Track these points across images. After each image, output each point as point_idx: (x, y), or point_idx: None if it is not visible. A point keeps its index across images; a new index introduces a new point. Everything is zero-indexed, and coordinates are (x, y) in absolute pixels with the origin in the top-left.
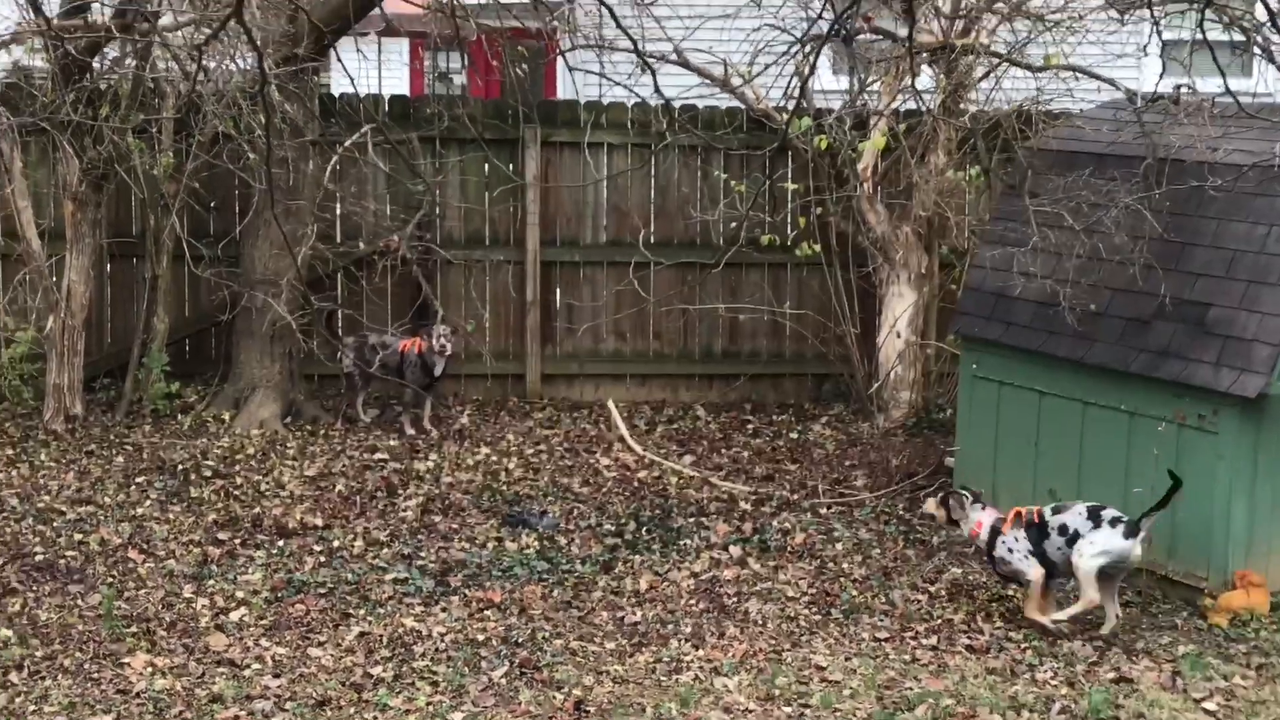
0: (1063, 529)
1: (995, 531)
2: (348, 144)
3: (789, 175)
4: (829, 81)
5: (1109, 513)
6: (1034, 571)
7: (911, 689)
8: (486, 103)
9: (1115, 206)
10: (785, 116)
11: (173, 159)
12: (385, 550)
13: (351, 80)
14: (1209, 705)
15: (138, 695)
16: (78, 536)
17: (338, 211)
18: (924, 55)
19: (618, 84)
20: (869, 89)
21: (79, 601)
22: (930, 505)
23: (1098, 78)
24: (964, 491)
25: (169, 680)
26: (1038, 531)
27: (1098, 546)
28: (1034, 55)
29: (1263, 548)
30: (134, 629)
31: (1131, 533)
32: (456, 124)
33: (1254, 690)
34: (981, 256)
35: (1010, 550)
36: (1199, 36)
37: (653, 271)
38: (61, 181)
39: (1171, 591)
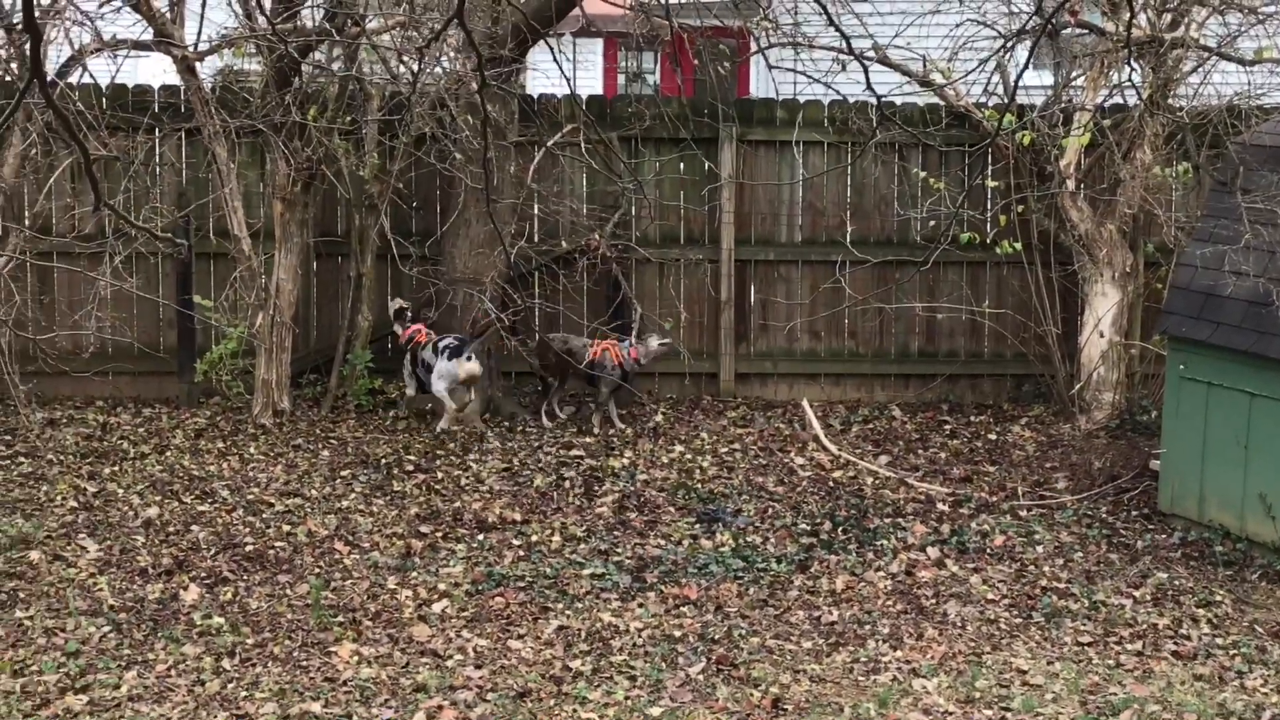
0: (422, 361)
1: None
2: (550, 143)
3: (989, 172)
4: (1029, 77)
5: (444, 342)
6: (409, 390)
7: (1116, 694)
8: (684, 101)
9: None
10: (985, 113)
11: (378, 160)
12: (582, 545)
13: (567, 80)
14: None
15: (344, 683)
16: (286, 528)
17: (535, 211)
18: (1132, 49)
19: (817, 81)
20: (1072, 84)
21: (288, 591)
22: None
23: None
24: (401, 304)
25: (374, 669)
26: (413, 357)
27: (438, 374)
28: (1245, 48)
29: None
30: (340, 619)
31: (455, 355)
32: (654, 123)
33: None
34: (1190, 255)
35: (403, 367)
36: None
37: (848, 270)
38: (271, 182)
39: None
